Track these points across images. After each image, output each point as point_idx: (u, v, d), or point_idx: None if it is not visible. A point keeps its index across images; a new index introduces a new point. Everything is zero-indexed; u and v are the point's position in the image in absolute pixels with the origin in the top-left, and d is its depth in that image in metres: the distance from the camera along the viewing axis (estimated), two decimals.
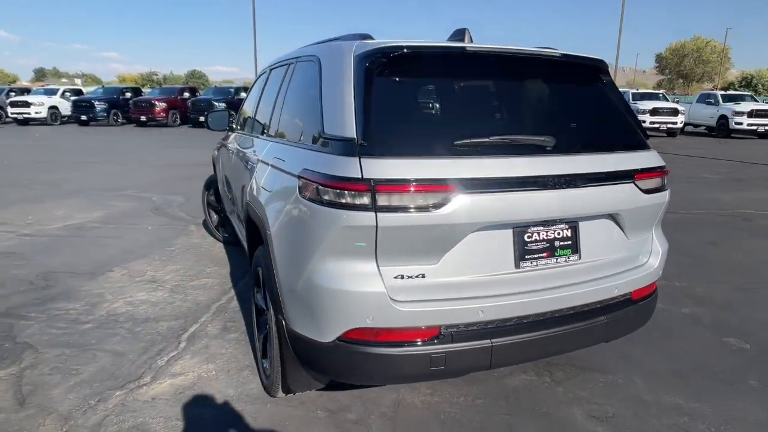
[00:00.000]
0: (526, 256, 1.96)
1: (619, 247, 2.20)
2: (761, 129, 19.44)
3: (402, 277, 1.84)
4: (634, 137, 2.24)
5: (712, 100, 21.53)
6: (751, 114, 19.44)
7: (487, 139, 1.89)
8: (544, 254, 1.99)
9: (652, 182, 2.18)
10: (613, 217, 2.13)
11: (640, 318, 2.32)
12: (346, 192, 1.76)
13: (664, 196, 2.24)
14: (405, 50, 1.96)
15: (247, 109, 3.79)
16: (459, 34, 2.27)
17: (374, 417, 2.45)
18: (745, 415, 2.48)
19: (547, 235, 1.99)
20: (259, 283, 2.74)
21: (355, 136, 1.82)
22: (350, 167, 1.76)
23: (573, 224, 2.03)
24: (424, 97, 2.10)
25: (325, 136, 1.97)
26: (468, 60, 2.04)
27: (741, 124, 19.46)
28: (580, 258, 2.06)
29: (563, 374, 2.80)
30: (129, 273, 4.42)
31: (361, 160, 1.76)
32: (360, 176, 1.74)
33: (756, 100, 22.54)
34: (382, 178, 1.73)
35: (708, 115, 21.25)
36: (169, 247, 5.18)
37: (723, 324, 3.45)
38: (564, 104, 2.28)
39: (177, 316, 3.57)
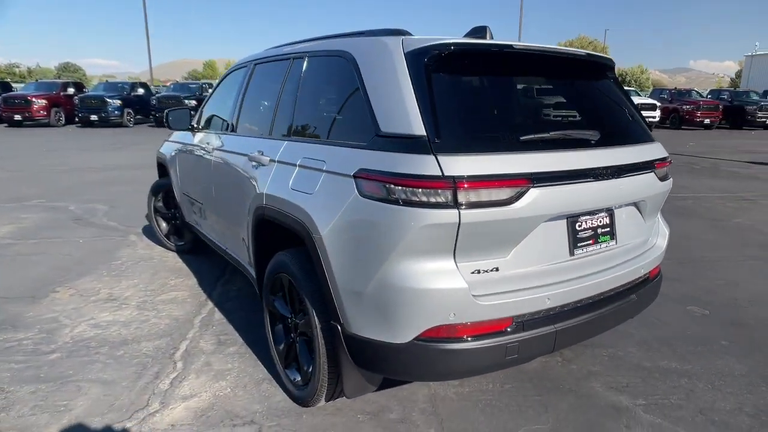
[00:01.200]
0: (578, 244, 2.08)
1: (641, 231, 2.40)
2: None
3: (478, 271, 1.86)
4: (645, 130, 2.45)
5: None
6: (637, 108, 21.74)
7: (548, 134, 1.98)
8: (591, 241, 2.12)
9: (664, 171, 2.40)
10: (636, 203, 2.32)
11: (655, 294, 2.55)
12: (425, 190, 1.75)
13: (671, 183, 2.49)
14: (456, 47, 1.98)
15: (224, 107, 3.54)
16: (479, 32, 2.30)
17: (416, 414, 2.46)
18: (730, 370, 2.82)
19: (592, 224, 2.12)
20: (276, 290, 2.61)
21: (425, 134, 1.80)
22: (427, 165, 1.75)
23: (610, 212, 2.19)
24: (478, 93, 2.12)
25: (383, 134, 1.92)
26: (514, 57, 2.11)
27: None
28: (616, 243, 2.23)
29: (571, 353, 3.00)
30: (78, 292, 3.97)
31: (438, 157, 1.76)
32: (441, 173, 1.73)
33: (639, 95, 25.05)
34: (463, 174, 1.74)
35: None
36: (114, 260, 4.71)
37: (682, 294, 3.88)
38: (593, 100, 2.43)
39: (159, 334, 3.28)
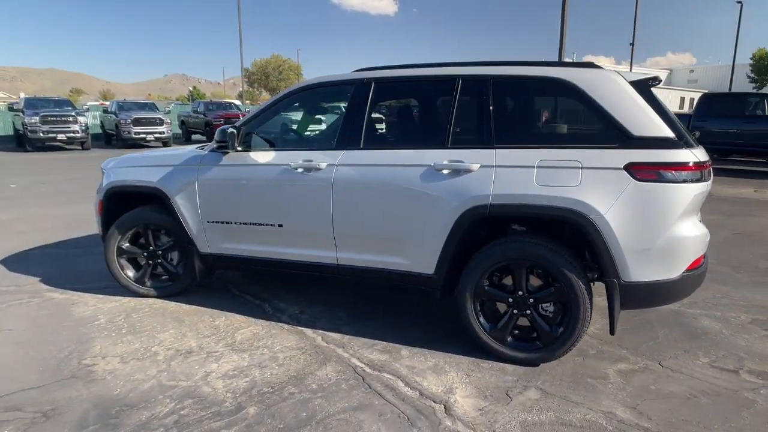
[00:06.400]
0: None
1: None
2: (312, 134, 23.86)
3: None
4: None
5: None
6: None
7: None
8: None
9: None
10: None
11: None
12: (693, 172, 2.71)
13: None
14: (644, 80, 2.94)
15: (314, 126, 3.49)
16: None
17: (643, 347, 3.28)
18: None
19: None
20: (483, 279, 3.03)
21: (674, 135, 2.74)
22: (690, 155, 2.71)
23: None
24: (662, 108, 3.04)
25: (637, 137, 2.74)
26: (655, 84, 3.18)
27: None
28: None
29: None
30: (124, 357, 3.19)
31: (691, 150, 2.73)
32: (699, 160, 2.71)
33: None
34: (702, 160, 2.75)
35: None
36: (91, 322, 3.74)
37: None
38: None
39: (315, 362, 3.12)
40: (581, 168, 2.80)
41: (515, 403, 2.67)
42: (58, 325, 3.66)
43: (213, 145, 3.78)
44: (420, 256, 3.21)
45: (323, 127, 4.32)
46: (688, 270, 2.82)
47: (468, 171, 3.00)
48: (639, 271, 2.76)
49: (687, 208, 2.73)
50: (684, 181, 2.71)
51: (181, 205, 3.86)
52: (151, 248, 4.16)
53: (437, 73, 3.29)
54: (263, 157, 3.61)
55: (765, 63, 37.07)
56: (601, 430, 2.44)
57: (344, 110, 3.48)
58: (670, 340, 3.38)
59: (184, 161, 3.89)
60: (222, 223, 3.79)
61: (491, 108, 3.06)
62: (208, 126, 20.74)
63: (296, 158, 3.49)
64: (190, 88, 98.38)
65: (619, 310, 2.85)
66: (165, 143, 19.54)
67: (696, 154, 2.75)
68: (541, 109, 3.22)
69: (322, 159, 3.40)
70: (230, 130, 3.56)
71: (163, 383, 2.89)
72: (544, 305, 3.00)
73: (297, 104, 3.71)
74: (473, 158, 3.01)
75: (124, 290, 4.21)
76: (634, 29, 31.76)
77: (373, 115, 3.40)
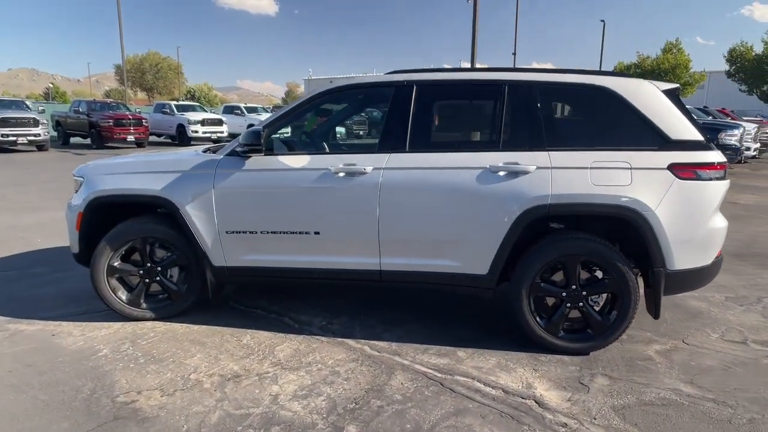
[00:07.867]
0: None
1: None
2: (214, 136, 20.83)
3: None
4: None
5: (168, 110, 22.19)
6: (204, 123, 20.91)
7: None
8: None
9: None
10: None
11: None
12: (720, 171, 3.06)
13: None
14: (671, 89, 3.28)
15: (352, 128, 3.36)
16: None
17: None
18: None
19: None
20: (548, 276, 3.19)
21: (704, 139, 3.10)
22: (719, 156, 3.07)
23: None
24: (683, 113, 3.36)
25: (674, 141, 3.04)
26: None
27: (197, 132, 20.67)
28: None
29: None
30: (165, 389, 2.85)
31: (717, 152, 3.11)
32: (723, 161, 3.09)
33: (205, 110, 24.53)
34: (724, 161, 3.14)
35: (167, 124, 21.77)
36: (93, 355, 3.27)
37: None
38: None
39: (384, 373, 3.02)
40: (630, 168, 3.05)
41: (594, 390, 2.83)
42: (52, 362, 3.12)
43: (234, 147, 3.48)
44: (473, 257, 3.25)
45: (363, 129, 4.18)
46: (717, 257, 3.21)
47: (525, 172, 3.11)
48: (682, 260, 3.07)
49: (718, 202, 3.11)
50: (715, 179, 3.08)
51: (193, 215, 3.49)
52: (149, 265, 3.70)
53: (481, 77, 3.36)
54: (297, 161, 3.40)
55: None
56: (680, 405, 2.69)
57: (386, 113, 3.41)
58: (677, 321, 3.80)
59: (194, 166, 3.53)
60: (244, 233, 3.50)
61: (541, 112, 3.20)
62: (93, 128, 18.74)
63: (335, 162, 3.34)
64: (49, 85, 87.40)
65: (661, 295, 3.15)
66: (40, 147, 17.53)
67: (720, 156, 3.14)
68: (586, 114, 3.43)
69: (366, 162, 3.30)
70: (260, 132, 3.31)
71: (232, 413, 2.62)
72: (593, 297, 3.22)
73: (328, 107, 3.54)
74: (529, 160, 3.13)
75: (104, 315, 3.76)
76: (515, 38, 34.58)
77: (417, 118, 3.37)
